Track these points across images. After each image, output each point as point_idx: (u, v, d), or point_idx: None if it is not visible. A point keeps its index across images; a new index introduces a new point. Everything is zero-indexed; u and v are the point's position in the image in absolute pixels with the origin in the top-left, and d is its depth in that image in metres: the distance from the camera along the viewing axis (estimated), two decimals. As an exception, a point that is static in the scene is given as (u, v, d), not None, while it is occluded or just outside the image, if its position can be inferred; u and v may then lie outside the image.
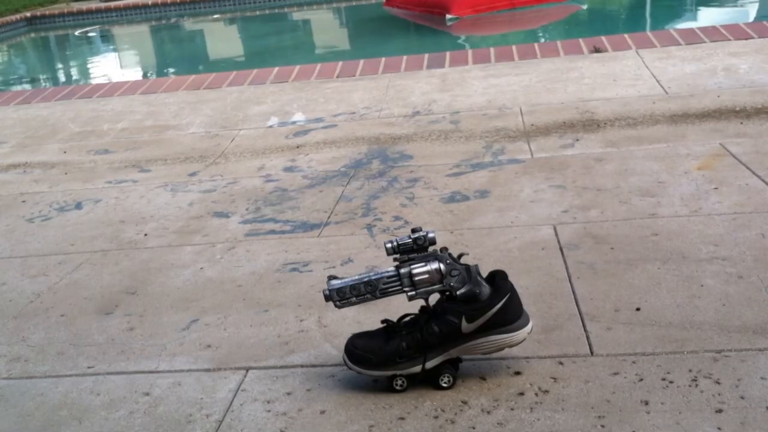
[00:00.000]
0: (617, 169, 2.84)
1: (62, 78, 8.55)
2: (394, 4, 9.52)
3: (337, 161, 3.33)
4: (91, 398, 1.78)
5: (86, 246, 2.70)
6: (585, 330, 1.83)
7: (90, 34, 11.16)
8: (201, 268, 2.41)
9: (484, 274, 1.68)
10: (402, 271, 1.64)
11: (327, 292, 1.66)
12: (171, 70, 8.52)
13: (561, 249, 2.26)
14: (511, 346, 1.66)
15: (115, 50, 10.35)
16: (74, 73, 8.85)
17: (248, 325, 2.02)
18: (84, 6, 12.38)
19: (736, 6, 8.28)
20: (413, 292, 1.65)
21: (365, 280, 1.65)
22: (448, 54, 5.06)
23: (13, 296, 2.37)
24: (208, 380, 1.80)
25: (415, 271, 1.63)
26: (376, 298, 1.66)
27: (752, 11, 7.88)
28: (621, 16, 8.63)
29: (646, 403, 1.54)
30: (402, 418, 1.58)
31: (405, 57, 5.07)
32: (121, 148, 3.92)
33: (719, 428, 1.46)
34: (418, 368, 1.65)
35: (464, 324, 1.62)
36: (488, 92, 4.11)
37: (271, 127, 3.99)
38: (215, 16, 11.55)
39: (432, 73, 4.66)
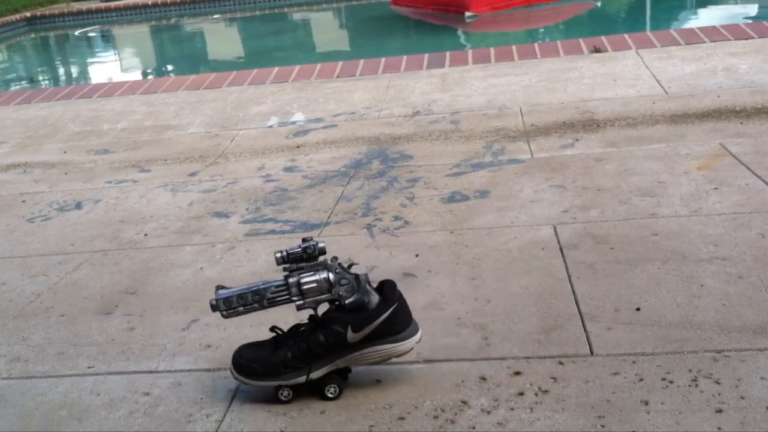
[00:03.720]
0: (617, 169, 2.84)
1: (62, 78, 8.55)
2: (403, 3, 9.37)
3: (337, 161, 3.33)
4: (91, 398, 1.78)
5: (86, 246, 2.71)
6: (585, 330, 1.83)
7: (90, 34, 11.16)
8: (201, 268, 2.41)
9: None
10: (291, 280, 1.63)
11: (214, 302, 1.64)
12: (171, 70, 8.52)
13: (561, 249, 2.26)
14: (397, 356, 1.66)
15: (115, 50, 10.35)
16: (74, 73, 8.86)
17: (248, 325, 2.02)
18: (84, 6, 12.39)
19: (736, 6, 8.28)
20: (301, 302, 1.63)
21: (253, 289, 1.63)
22: (448, 54, 5.05)
23: (13, 296, 2.37)
24: (208, 380, 1.80)
25: (303, 281, 1.62)
26: (264, 307, 1.64)
27: (752, 11, 7.88)
28: (621, 16, 8.64)
29: (646, 403, 1.54)
30: (402, 418, 1.58)
31: (405, 57, 5.07)
32: (121, 148, 3.92)
33: (719, 428, 1.46)
34: (302, 379, 1.63)
35: (350, 333, 1.61)
36: (488, 92, 4.11)
37: (271, 127, 3.99)
38: (215, 16, 11.55)
39: (432, 73, 4.66)
